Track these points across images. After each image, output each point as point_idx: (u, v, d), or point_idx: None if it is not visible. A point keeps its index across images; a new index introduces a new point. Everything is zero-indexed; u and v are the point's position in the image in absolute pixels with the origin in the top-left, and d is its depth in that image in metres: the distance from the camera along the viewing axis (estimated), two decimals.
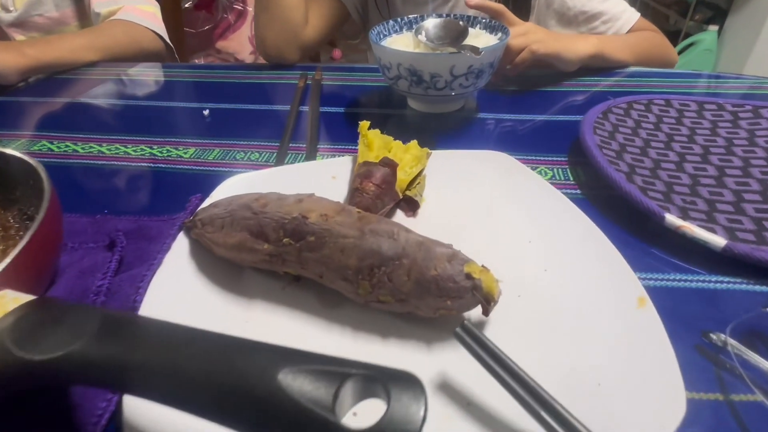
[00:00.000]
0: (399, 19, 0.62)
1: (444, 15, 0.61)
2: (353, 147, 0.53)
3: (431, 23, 0.59)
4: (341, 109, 0.63)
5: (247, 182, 0.41)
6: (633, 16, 0.74)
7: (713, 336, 0.30)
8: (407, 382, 0.18)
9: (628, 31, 0.74)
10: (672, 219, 0.37)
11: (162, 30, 0.90)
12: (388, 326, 0.31)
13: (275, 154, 0.52)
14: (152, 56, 0.88)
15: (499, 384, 0.24)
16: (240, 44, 2.30)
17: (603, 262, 0.33)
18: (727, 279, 0.35)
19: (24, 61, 0.70)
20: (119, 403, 0.26)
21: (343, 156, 0.47)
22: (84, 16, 0.93)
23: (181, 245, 0.35)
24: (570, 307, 0.31)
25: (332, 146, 0.54)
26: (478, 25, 0.61)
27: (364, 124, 0.44)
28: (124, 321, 0.21)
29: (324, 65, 0.76)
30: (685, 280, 0.35)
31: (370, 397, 0.18)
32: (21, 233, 0.36)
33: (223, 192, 0.40)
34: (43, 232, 0.31)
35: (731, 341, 0.29)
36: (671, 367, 0.26)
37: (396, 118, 0.61)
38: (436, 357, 0.29)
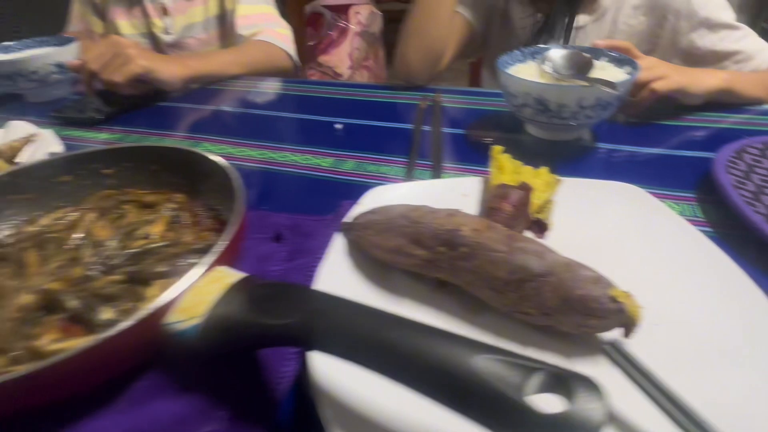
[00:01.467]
0: (523, 49, 0.65)
1: (568, 47, 0.63)
2: (475, 167, 0.57)
3: (557, 54, 0.62)
4: (460, 131, 0.67)
5: (388, 193, 0.46)
6: None
7: None
8: (589, 384, 0.21)
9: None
10: None
11: (293, 50, 1.01)
12: (526, 336, 0.34)
13: (403, 169, 0.57)
14: (282, 72, 0.99)
15: (652, 403, 0.26)
16: (340, 59, 2.44)
17: (751, 307, 0.33)
18: None
19: (187, 71, 0.82)
20: (302, 367, 0.31)
21: (466, 176, 0.51)
22: (224, 37, 1.08)
23: (338, 243, 0.41)
24: (712, 346, 0.32)
25: (454, 165, 0.58)
26: (604, 58, 0.62)
27: (497, 149, 0.47)
28: (333, 301, 0.26)
29: (441, 88, 0.81)
30: None
31: (551, 392, 0.21)
32: (212, 224, 0.43)
33: (368, 199, 0.45)
34: (242, 222, 0.37)
35: None
36: None
37: (513, 143, 0.64)
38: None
